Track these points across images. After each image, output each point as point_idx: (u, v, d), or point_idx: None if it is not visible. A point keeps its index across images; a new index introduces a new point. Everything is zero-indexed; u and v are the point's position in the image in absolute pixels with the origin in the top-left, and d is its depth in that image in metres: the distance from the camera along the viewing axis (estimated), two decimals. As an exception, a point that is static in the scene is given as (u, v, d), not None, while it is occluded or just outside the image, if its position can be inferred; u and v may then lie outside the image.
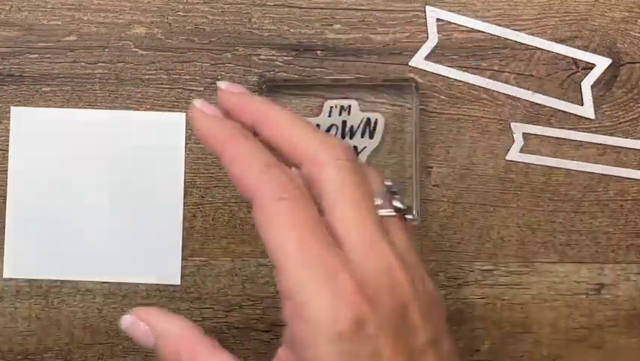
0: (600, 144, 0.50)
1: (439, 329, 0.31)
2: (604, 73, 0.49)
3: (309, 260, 0.29)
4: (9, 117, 0.50)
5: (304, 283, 0.29)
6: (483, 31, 0.49)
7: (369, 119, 0.49)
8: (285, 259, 0.29)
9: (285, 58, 0.50)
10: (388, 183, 0.35)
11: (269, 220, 0.30)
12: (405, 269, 0.30)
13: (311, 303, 0.28)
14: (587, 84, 0.49)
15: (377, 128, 0.49)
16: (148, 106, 0.50)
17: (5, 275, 0.50)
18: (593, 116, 0.50)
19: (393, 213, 0.33)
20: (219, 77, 0.50)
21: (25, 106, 0.50)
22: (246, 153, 0.32)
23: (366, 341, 0.28)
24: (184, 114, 0.50)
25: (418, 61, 0.49)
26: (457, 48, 0.49)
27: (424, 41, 0.49)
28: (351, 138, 0.49)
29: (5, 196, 0.50)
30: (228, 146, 0.33)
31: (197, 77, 0.50)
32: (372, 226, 0.30)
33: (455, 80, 0.49)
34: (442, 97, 0.50)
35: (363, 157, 0.49)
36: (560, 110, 0.50)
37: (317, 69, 0.50)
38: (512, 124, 0.50)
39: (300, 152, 0.32)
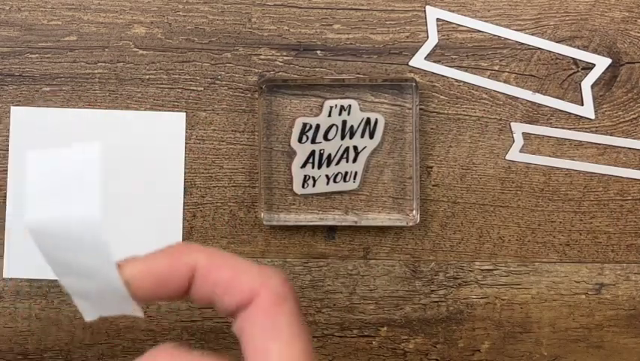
0: (600, 143, 0.50)
1: None
2: (604, 73, 0.49)
3: None
4: (9, 117, 0.50)
5: None
6: (483, 31, 0.49)
7: (369, 119, 0.49)
8: None
9: (285, 58, 0.50)
10: None
11: None
12: None
13: None
14: (587, 84, 0.49)
15: (377, 128, 0.49)
16: (148, 106, 0.50)
17: (5, 275, 0.50)
18: (593, 116, 0.50)
19: None
20: (219, 76, 0.50)
21: (25, 106, 0.50)
22: None
23: None
24: (184, 114, 0.50)
25: (418, 61, 0.49)
26: (457, 48, 0.49)
27: (424, 41, 0.49)
28: (351, 137, 0.49)
29: (5, 196, 0.50)
30: None
31: (197, 77, 0.50)
32: None
33: (455, 80, 0.49)
34: (442, 97, 0.50)
35: (363, 157, 0.49)
36: (559, 110, 0.50)
37: (317, 69, 0.50)
38: (512, 124, 0.50)
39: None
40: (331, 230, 0.50)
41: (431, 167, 0.50)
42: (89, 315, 0.29)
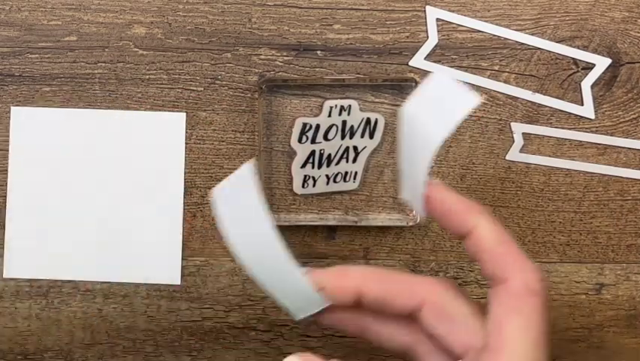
0: (600, 143, 0.50)
1: None
2: (604, 73, 0.49)
3: None
4: (9, 117, 0.50)
5: None
6: (483, 31, 0.49)
7: (369, 119, 0.49)
8: None
9: (285, 58, 0.50)
10: None
11: None
12: None
13: None
14: (587, 84, 0.49)
15: (377, 128, 0.49)
16: (148, 106, 0.50)
17: (5, 275, 0.50)
18: (593, 116, 0.50)
19: None
20: (219, 76, 0.50)
21: (25, 106, 0.50)
22: None
23: None
24: (184, 114, 0.50)
25: (418, 61, 0.49)
26: (457, 48, 0.49)
27: (424, 41, 0.49)
28: (351, 137, 0.49)
29: (5, 196, 0.50)
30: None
31: (197, 77, 0.50)
32: None
33: (455, 80, 0.49)
34: (442, 97, 0.49)
35: (363, 157, 0.49)
36: (559, 110, 0.50)
37: (317, 69, 0.50)
38: (512, 124, 0.50)
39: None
40: (331, 230, 0.50)
41: (431, 167, 0.50)
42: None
